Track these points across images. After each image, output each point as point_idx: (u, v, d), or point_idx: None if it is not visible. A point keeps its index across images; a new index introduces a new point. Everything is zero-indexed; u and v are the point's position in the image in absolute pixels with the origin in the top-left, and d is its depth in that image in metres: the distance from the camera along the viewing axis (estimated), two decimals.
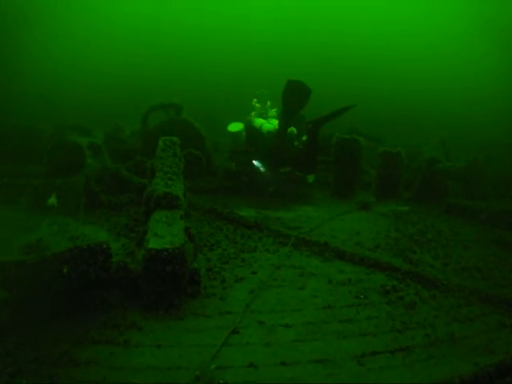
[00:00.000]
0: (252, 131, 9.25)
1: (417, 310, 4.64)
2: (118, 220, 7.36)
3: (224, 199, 9.00)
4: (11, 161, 9.59)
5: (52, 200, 7.13)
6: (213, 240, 6.52)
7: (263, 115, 9.81)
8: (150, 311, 4.42)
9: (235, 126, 9.26)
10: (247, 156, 9.27)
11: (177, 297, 4.47)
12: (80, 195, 7.61)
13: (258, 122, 9.39)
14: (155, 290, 4.42)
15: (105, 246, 4.40)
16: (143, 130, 10.63)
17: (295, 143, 9.30)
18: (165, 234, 4.76)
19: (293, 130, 9.10)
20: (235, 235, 6.80)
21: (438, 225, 7.87)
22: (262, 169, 9.47)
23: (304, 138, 9.30)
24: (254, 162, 9.48)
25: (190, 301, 4.63)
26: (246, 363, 3.66)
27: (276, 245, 6.45)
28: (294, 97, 8.35)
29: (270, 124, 9.25)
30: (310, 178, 9.42)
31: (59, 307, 4.30)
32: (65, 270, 4.26)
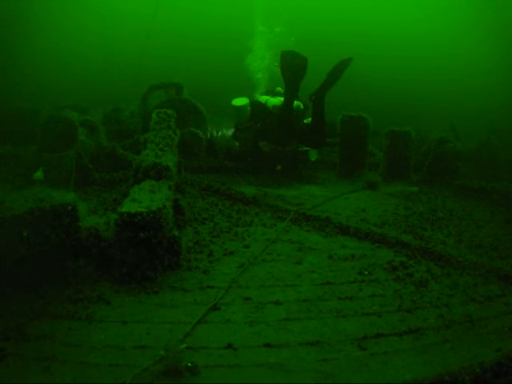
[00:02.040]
0: (257, 106, 8.46)
1: (428, 288, 3.85)
2: (109, 196, 6.65)
3: (224, 178, 8.25)
4: (10, 143, 8.91)
5: (38, 174, 6.47)
6: (205, 214, 5.77)
7: (269, 93, 9.02)
8: (121, 284, 3.70)
9: (240, 101, 8.49)
10: (251, 133, 8.50)
11: (152, 268, 3.74)
12: (70, 170, 6.91)
13: (264, 98, 8.62)
14: (128, 260, 3.70)
15: (70, 208, 3.68)
16: (143, 110, 9.90)
17: (305, 121, 8.51)
18: (144, 199, 4.03)
19: (299, 104, 8.31)
20: (231, 210, 6.05)
21: (450, 205, 7.03)
22: (265, 148, 8.71)
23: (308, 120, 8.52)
24: (258, 141, 8.72)
25: (167, 273, 3.90)
26: (224, 344, 2.92)
27: (274, 219, 5.69)
28: (291, 67, 7.59)
29: (276, 99, 8.46)
30: (313, 156, 8.62)
31: (20, 278, 3.59)
32: (25, 234, 3.55)
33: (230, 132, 10.45)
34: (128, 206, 3.79)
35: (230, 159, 9.31)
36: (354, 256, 4.48)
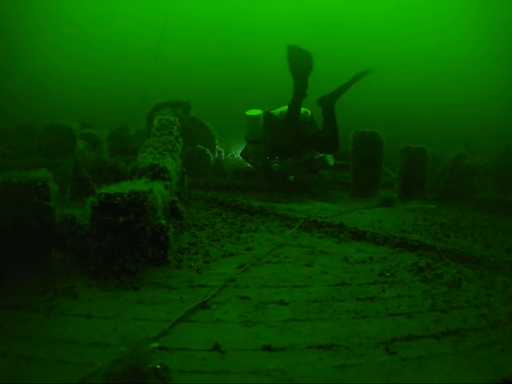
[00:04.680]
0: (270, 118, 7.85)
1: (463, 288, 3.06)
2: None
3: (231, 194, 7.55)
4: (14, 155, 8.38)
5: None
6: (206, 221, 5.04)
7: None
8: (97, 278, 2.97)
9: (253, 112, 7.88)
10: (263, 146, 7.85)
11: (133, 260, 3.01)
12: (66, 178, 6.30)
13: (278, 110, 8.04)
14: (104, 250, 2.98)
15: (40, 184, 3.02)
16: (149, 129, 9.35)
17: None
18: (131, 187, 3.35)
19: (306, 110, 7.68)
20: (234, 219, 5.31)
21: (471, 217, 6.21)
22: (276, 168, 8.05)
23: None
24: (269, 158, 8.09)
25: (151, 269, 3.15)
26: (209, 346, 2.14)
27: (281, 227, 4.93)
28: (298, 61, 7.02)
29: (285, 107, 7.85)
30: (331, 161, 7.88)
31: None
32: None
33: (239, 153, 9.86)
34: (108, 189, 3.12)
35: (239, 178, 8.64)
36: (372, 259, 3.69)
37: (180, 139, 6.05)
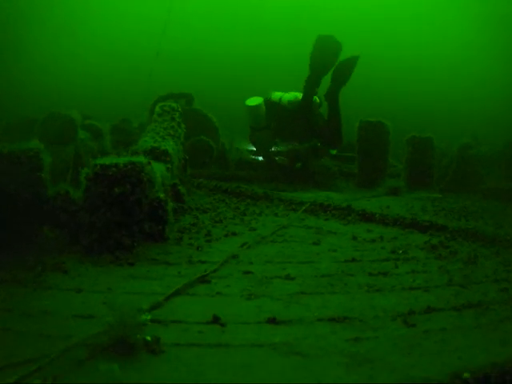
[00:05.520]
0: (272, 105, 7.56)
1: (479, 265, 2.79)
2: None
3: (234, 183, 7.29)
4: None
5: None
6: (209, 206, 4.79)
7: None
8: (90, 253, 2.73)
9: (254, 101, 7.60)
10: (267, 133, 7.59)
11: (128, 234, 2.76)
12: (67, 166, 6.10)
13: (277, 95, 7.70)
14: (98, 224, 2.73)
15: (32, 154, 2.78)
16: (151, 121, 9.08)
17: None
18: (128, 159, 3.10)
19: (315, 98, 7.40)
20: (238, 204, 5.05)
21: (480, 204, 5.92)
22: (281, 161, 7.82)
23: None
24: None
25: (149, 245, 2.90)
26: (208, 318, 1.88)
27: (287, 211, 4.67)
28: (324, 54, 6.72)
29: (290, 94, 7.56)
30: (333, 150, 7.63)
31: None
32: None
33: (244, 145, 9.61)
34: (104, 160, 2.87)
35: (243, 169, 8.38)
36: (382, 238, 3.42)
37: (182, 125, 5.79)
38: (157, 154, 4.40)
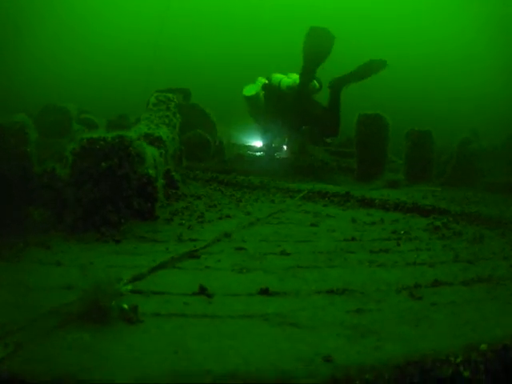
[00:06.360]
0: (271, 89, 7.35)
1: (485, 244, 2.58)
2: None
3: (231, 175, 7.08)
4: None
5: None
6: (204, 193, 4.59)
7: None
8: (75, 231, 2.52)
9: (251, 89, 7.37)
10: (266, 118, 7.42)
11: (115, 211, 2.56)
12: (61, 157, 5.90)
13: (277, 77, 7.47)
14: (85, 200, 2.53)
15: (18, 127, 2.59)
16: None
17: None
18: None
19: (315, 83, 7.19)
20: (234, 192, 4.84)
21: (481, 195, 5.72)
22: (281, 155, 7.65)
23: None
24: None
25: (137, 223, 2.70)
26: (194, 289, 1.68)
27: (284, 198, 4.47)
28: (317, 45, 6.57)
29: (290, 78, 7.34)
30: (329, 140, 7.45)
31: None
32: None
33: (241, 141, 9.44)
34: (91, 134, 2.68)
35: (240, 164, 8.18)
36: (383, 220, 3.23)
37: (178, 116, 5.59)
38: (150, 140, 4.21)
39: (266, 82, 7.45)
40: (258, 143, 9.35)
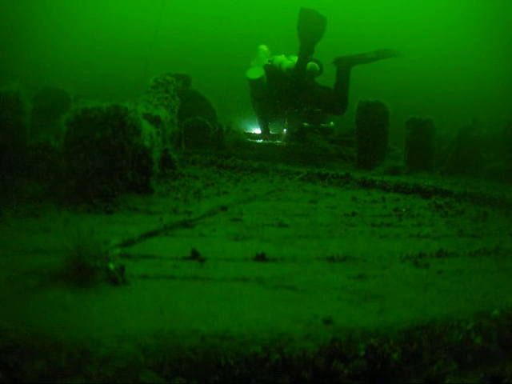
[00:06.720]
0: (272, 72, 7.23)
1: (489, 222, 2.47)
2: None
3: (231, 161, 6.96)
4: None
5: None
6: (202, 174, 4.47)
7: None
8: (68, 202, 2.41)
9: (254, 72, 7.23)
10: (269, 101, 7.29)
11: (109, 182, 2.44)
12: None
13: (278, 59, 7.34)
14: (77, 170, 2.41)
15: (12, 96, 2.47)
16: None
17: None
18: None
19: (314, 65, 7.03)
20: (233, 174, 4.72)
21: (484, 183, 5.61)
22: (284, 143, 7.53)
23: None
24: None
25: (131, 195, 2.59)
26: (185, 254, 1.57)
27: (283, 179, 4.35)
28: (309, 26, 6.46)
29: (290, 60, 7.21)
30: (331, 124, 7.32)
31: None
32: None
33: (241, 127, 9.30)
34: (86, 104, 2.55)
35: (240, 149, 8.06)
36: (384, 199, 3.12)
37: (177, 98, 5.46)
38: (148, 121, 4.08)
39: (268, 59, 7.35)
40: (257, 130, 9.23)
